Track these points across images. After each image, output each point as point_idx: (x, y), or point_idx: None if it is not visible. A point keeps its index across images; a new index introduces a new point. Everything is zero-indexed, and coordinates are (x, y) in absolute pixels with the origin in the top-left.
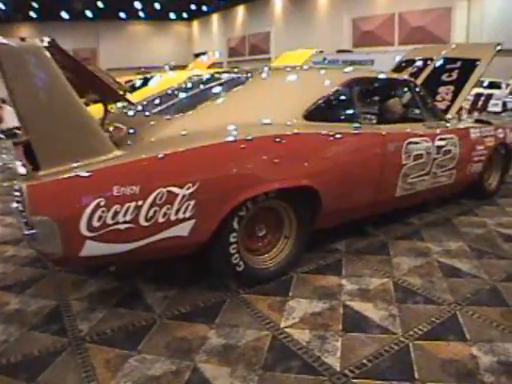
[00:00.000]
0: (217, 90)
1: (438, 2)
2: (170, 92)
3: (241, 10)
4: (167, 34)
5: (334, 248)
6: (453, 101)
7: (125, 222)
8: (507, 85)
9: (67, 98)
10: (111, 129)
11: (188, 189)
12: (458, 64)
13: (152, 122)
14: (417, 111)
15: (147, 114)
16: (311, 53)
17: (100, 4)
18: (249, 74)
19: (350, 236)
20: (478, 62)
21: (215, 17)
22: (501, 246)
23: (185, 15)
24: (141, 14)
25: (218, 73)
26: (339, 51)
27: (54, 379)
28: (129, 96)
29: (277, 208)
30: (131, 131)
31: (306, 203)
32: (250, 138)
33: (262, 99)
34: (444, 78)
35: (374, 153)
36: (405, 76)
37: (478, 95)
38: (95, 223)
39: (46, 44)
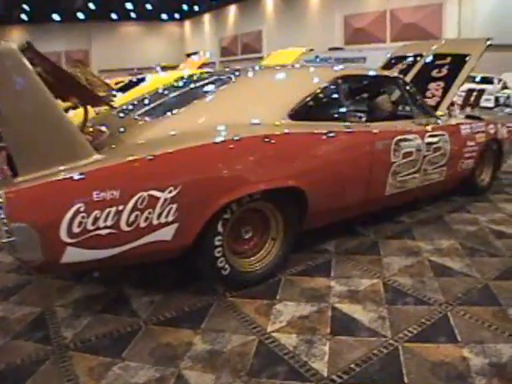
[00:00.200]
0: (199, 91)
1: None
2: (154, 94)
3: (232, 10)
4: (159, 34)
5: (324, 248)
6: (443, 97)
7: (106, 228)
8: (499, 80)
9: (44, 102)
10: (93, 132)
11: (170, 192)
12: (448, 60)
13: (134, 125)
14: (406, 108)
15: (130, 116)
16: (301, 51)
17: (91, 5)
18: (232, 74)
19: (339, 236)
20: (468, 58)
21: (207, 17)
22: (493, 243)
23: (177, 15)
24: (132, 14)
25: (203, 73)
26: (331, 49)
27: None
28: (118, 97)
29: (263, 209)
30: (113, 134)
31: (293, 204)
32: (232, 139)
33: (245, 99)
34: (434, 74)
35: (362, 151)
36: (394, 73)
37: (470, 91)
38: (75, 229)
39: (21, 47)
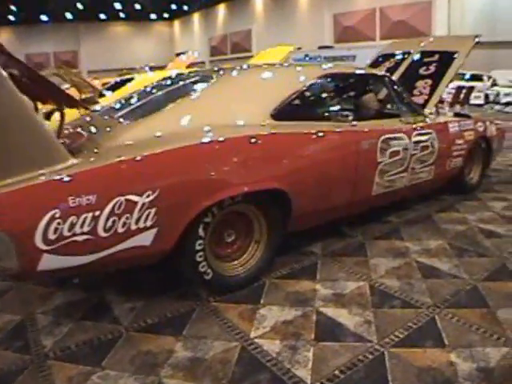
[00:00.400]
0: (178, 92)
1: None
2: (135, 94)
3: (222, 9)
4: (148, 34)
5: (310, 250)
6: (431, 95)
7: (83, 234)
8: (489, 77)
9: (17, 106)
10: (71, 135)
11: (148, 196)
12: (436, 57)
13: (113, 127)
14: (393, 106)
15: (110, 118)
16: (289, 50)
17: (80, 5)
18: (214, 74)
19: (326, 237)
20: (456, 55)
21: (196, 16)
22: (482, 242)
23: (166, 15)
24: (121, 14)
25: (184, 73)
26: (321, 47)
27: None
28: (108, 96)
29: (245, 212)
30: (91, 137)
31: (276, 206)
32: (211, 141)
33: (226, 99)
34: (422, 71)
35: (347, 151)
36: (380, 71)
37: (460, 88)
38: (51, 236)
39: None
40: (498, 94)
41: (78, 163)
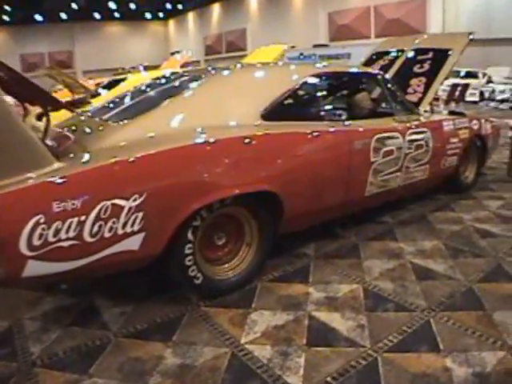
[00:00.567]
0: (166, 93)
1: None
2: (124, 96)
3: (216, 8)
4: (143, 33)
5: (303, 252)
6: (425, 93)
7: (68, 239)
8: (484, 74)
9: None
10: (58, 137)
11: (134, 200)
12: (430, 55)
13: (99, 130)
14: (386, 105)
15: (97, 120)
16: (283, 48)
17: (74, 5)
18: (202, 74)
19: (319, 239)
20: (450, 52)
21: (191, 15)
22: (477, 242)
23: (161, 15)
24: (116, 14)
25: (173, 74)
26: (316, 46)
27: None
28: (103, 95)
29: (236, 214)
30: (78, 140)
31: (267, 208)
32: (198, 142)
33: (215, 100)
34: (416, 69)
35: (339, 151)
36: (373, 69)
37: (455, 85)
38: (36, 242)
39: None
40: (493, 91)
41: (63, 167)
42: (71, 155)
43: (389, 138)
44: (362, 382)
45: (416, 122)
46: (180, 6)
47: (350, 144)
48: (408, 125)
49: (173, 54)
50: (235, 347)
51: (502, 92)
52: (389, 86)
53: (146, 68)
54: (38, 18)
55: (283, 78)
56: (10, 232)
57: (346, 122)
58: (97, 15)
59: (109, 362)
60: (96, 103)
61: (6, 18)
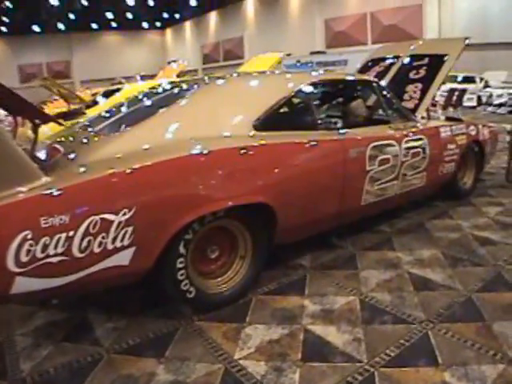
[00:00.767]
0: (158, 104)
1: None
2: (115, 108)
3: (213, 16)
4: (140, 43)
5: (298, 263)
6: (421, 99)
7: (57, 255)
8: (481, 79)
9: None
10: (46, 151)
11: (124, 215)
12: (426, 60)
13: (89, 143)
14: (382, 113)
15: (88, 132)
16: (279, 56)
17: (72, 16)
18: (194, 85)
19: (315, 249)
20: (446, 58)
21: (188, 24)
22: (476, 251)
23: (158, 24)
24: (113, 24)
25: (166, 84)
26: (313, 53)
27: None
28: (102, 103)
29: (229, 227)
30: (67, 153)
31: (260, 220)
32: (188, 155)
33: (207, 110)
34: (411, 75)
35: (334, 161)
36: (368, 76)
37: (452, 90)
38: (23, 258)
39: None
40: (490, 96)
41: (50, 181)
42: (60, 169)
43: (385, 145)
44: None
45: (412, 129)
46: (177, 15)
47: (344, 153)
48: (404, 132)
49: (169, 63)
50: (228, 363)
51: (500, 96)
52: (384, 93)
53: (143, 77)
54: (36, 28)
55: (276, 87)
56: None
57: (341, 131)
58: (94, 25)
59: (100, 379)
60: (91, 113)
61: (3, 28)
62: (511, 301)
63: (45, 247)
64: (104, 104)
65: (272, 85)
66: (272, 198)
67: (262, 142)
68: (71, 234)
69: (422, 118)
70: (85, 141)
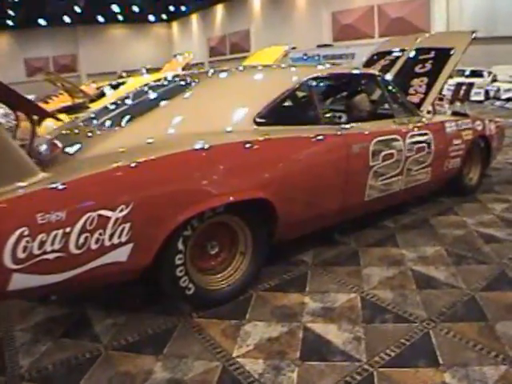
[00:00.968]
0: (157, 99)
1: None
2: (115, 103)
3: (220, 9)
4: (147, 36)
5: (300, 259)
6: (427, 93)
7: (53, 252)
8: (489, 73)
9: None
10: (45, 147)
11: (121, 211)
12: (432, 54)
13: (87, 138)
14: (386, 107)
15: (87, 128)
16: (284, 49)
17: (77, 9)
18: (194, 79)
19: (318, 245)
20: (452, 51)
21: (194, 17)
22: (481, 248)
23: (164, 17)
24: (119, 17)
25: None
26: (320, 46)
27: None
28: (109, 94)
29: (229, 223)
30: (66, 148)
31: (261, 216)
32: (186, 150)
33: (207, 105)
34: (417, 69)
35: (336, 156)
36: (374, 69)
37: (459, 84)
38: (20, 254)
39: None
40: (498, 90)
41: (47, 177)
42: (58, 165)
43: (388, 140)
44: None
45: (417, 124)
46: (183, 8)
47: (347, 148)
48: (408, 127)
49: (175, 56)
50: (226, 361)
51: (508, 91)
52: (388, 87)
53: (149, 70)
54: (42, 22)
55: (278, 81)
56: None
57: (344, 126)
58: (100, 18)
59: (97, 376)
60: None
61: (9, 22)
62: None
63: (42, 244)
64: (110, 97)
65: (274, 79)
66: (272, 193)
67: (263, 136)
68: (68, 230)
69: (428, 112)
70: (84, 136)
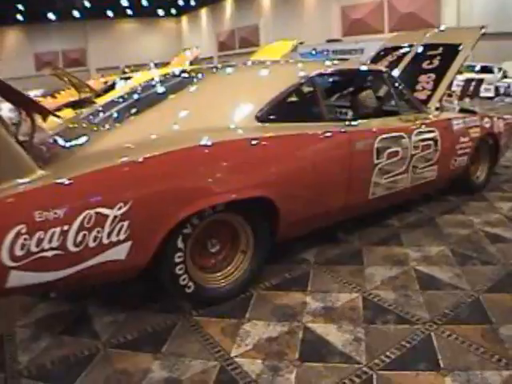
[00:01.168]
0: (158, 95)
1: None
2: (116, 99)
3: (229, 4)
4: (156, 30)
5: (303, 258)
6: (434, 90)
7: (51, 249)
8: (499, 69)
9: None
10: (45, 144)
11: (119, 209)
12: (440, 50)
13: (87, 135)
14: (392, 104)
15: (88, 124)
16: (292, 44)
17: (87, 3)
18: (196, 75)
19: (321, 243)
20: (460, 47)
21: (204, 11)
22: (487, 248)
23: (173, 11)
24: (128, 11)
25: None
26: (329, 41)
27: None
28: (120, 86)
29: (230, 221)
30: (66, 145)
31: (262, 214)
32: (186, 147)
33: (208, 101)
34: (425, 65)
35: (340, 154)
36: (381, 65)
37: (469, 80)
38: (18, 252)
39: None
40: (508, 86)
41: (45, 175)
42: (57, 162)
43: (394, 138)
44: None
45: (423, 121)
46: (192, 3)
47: (351, 145)
48: (414, 124)
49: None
50: (225, 360)
51: None
52: (395, 83)
53: (157, 65)
54: (51, 16)
55: (281, 77)
56: None
57: (348, 123)
58: (109, 13)
59: (95, 374)
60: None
61: (19, 17)
62: None
63: (39, 241)
64: (118, 91)
65: (277, 75)
66: (274, 191)
67: (265, 133)
68: (66, 228)
69: (437, 109)
70: (84, 132)
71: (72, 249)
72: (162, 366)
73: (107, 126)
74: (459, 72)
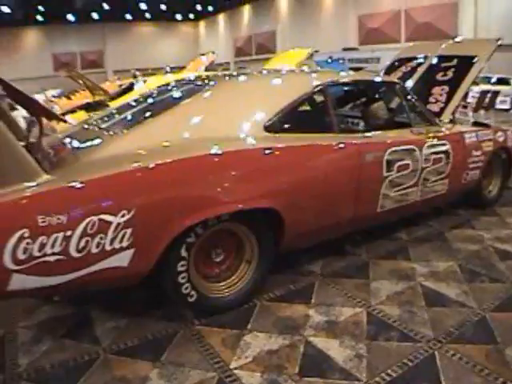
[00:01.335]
0: (169, 102)
1: None
2: (128, 103)
3: (247, 10)
4: (173, 34)
5: (308, 270)
6: (447, 102)
7: (54, 254)
8: None
9: None
10: (53, 148)
11: (123, 216)
12: (454, 62)
13: (94, 141)
14: (403, 116)
15: (96, 130)
16: (307, 52)
17: (106, 6)
18: (210, 82)
19: (327, 255)
20: (475, 60)
21: (221, 17)
22: (496, 265)
23: (191, 16)
24: (147, 15)
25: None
26: (345, 49)
27: None
28: (139, 87)
29: (234, 230)
30: (73, 151)
31: (267, 224)
32: (191, 156)
33: (216, 110)
34: (438, 77)
35: (348, 166)
36: (394, 76)
37: (484, 92)
38: (20, 256)
39: None
40: None
41: (51, 180)
42: (63, 167)
43: (404, 150)
44: None
45: (435, 134)
46: (210, 8)
47: (359, 158)
48: (426, 137)
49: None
50: (223, 372)
51: None
52: (407, 95)
53: (172, 69)
54: (71, 17)
55: (292, 86)
56: None
57: (358, 134)
58: (128, 16)
59: (93, 380)
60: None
61: (39, 17)
62: None
63: (42, 246)
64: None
65: (288, 84)
66: (279, 202)
67: (272, 144)
68: (69, 233)
69: (449, 122)
70: (92, 137)
71: (74, 254)
72: (160, 375)
73: (116, 131)
74: (475, 83)
